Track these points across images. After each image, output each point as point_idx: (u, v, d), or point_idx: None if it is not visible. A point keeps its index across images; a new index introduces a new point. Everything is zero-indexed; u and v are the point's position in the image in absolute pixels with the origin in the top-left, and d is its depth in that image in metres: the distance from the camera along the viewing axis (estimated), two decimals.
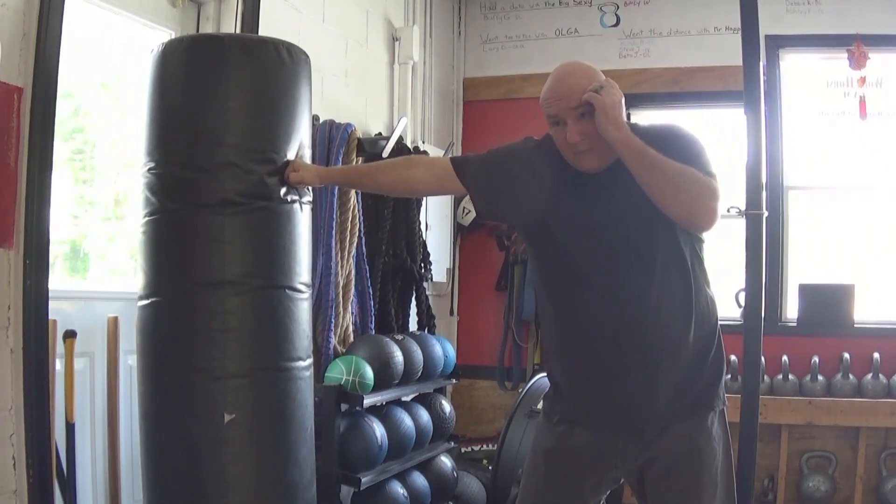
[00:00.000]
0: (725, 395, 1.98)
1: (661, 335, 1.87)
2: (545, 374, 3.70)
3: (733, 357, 4.04)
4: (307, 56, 2.21)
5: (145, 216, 2.07)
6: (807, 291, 4.14)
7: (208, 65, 2.06)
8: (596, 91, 1.83)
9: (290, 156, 2.12)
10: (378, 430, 2.98)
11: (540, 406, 3.45)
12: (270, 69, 2.10)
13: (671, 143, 1.85)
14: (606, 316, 1.88)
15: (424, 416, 3.36)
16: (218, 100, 2.04)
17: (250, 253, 2.05)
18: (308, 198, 2.21)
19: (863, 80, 4.13)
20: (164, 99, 2.08)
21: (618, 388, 1.90)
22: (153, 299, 2.05)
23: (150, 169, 2.06)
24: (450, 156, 1.92)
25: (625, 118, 1.85)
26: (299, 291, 2.13)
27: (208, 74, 2.05)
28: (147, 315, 2.07)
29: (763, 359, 3.00)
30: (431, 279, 4.00)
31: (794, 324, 4.20)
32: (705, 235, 1.95)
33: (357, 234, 3.29)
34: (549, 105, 1.90)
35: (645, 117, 4.62)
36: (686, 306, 1.88)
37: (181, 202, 2.04)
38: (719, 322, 1.97)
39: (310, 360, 2.19)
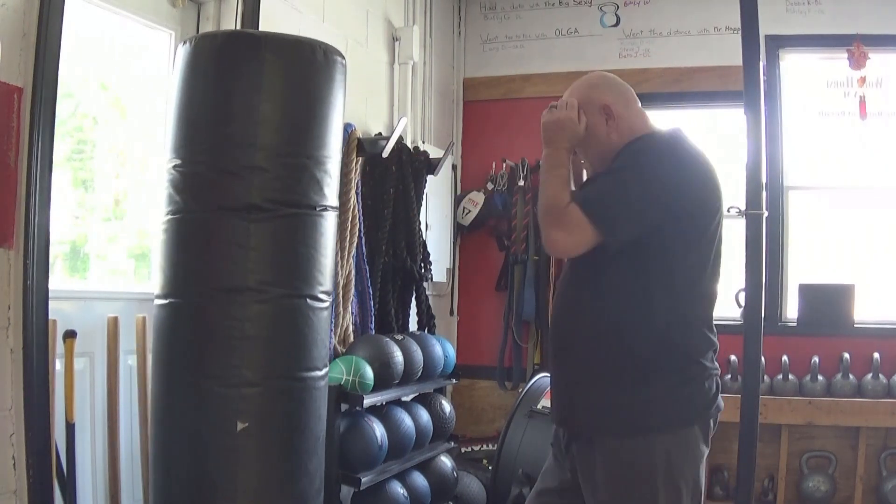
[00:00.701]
0: (690, 412, 1.84)
1: (572, 338, 1.92)
2: (545, 373, 3.73)
3: (733, 357, 4.05)
4: (343, 58, 2.15)
5: (168, 214, 2.04)
6: (807, 291, 4.14)
7: (242, 63, 2.00)
8: (549, 110, 1.94)
9: (324, 160, 2.07)
10: (378, 430, 2.98)
11: (540, 406, 3.46)
12: (307, 71, 2.05)
13: (624, 152, 1.91)
14: (554, 311, 2.02)
15: (424, 416, 3.36)
16: (250, 101, 1.99)
17: (274, 260, 2.01)
18: (334, 203, 2.15)
19: (863, 80, 4.13)
20: (194, 95, 2.03)
21: (556, 381, 2.00)
22: (171, 300, 2.03)
23: (175, 166, 2.02)
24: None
25: (573, 133, 1.92)
26: (320, 300, 2.09)
27: (242, 73, 2.00)
28: (164, 315, 2.04)
29: (763, 359, 2.99)
30: (431, 279, 4.00)
31: (794, 324, 4.20)
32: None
33: (357, 234, 3.29)
34: None
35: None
36: (633, 317, 1.83)
37: (206, 203, 2.00)
38: (686, 337, 1.86)
39: (326, 370, 2.16)
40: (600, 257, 1.83)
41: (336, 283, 3.17)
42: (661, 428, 1.82)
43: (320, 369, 2.11)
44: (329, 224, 2.13)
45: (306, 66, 2.06)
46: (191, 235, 2.02)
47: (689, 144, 1.95)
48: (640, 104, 2.02)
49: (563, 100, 1.95)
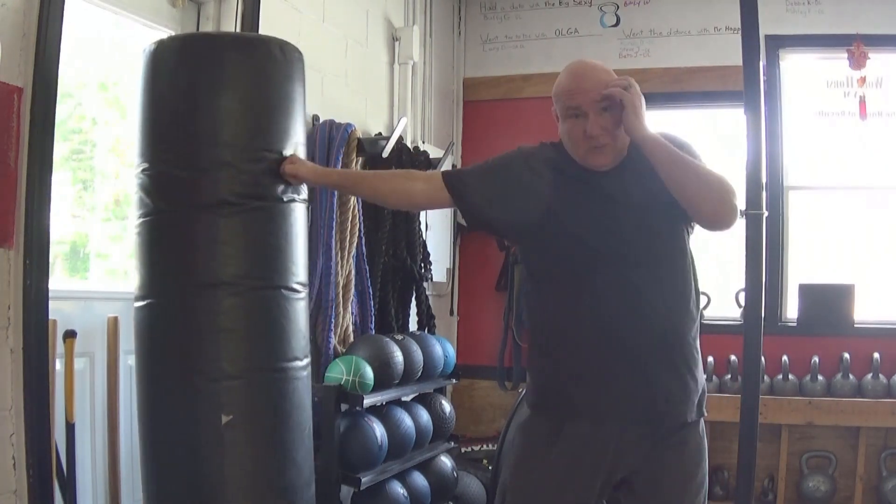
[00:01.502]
0: None
1: (669, 328, 1.91)
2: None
3: (733, 357, 4.05)
4: (300, 53, 2.20)
5: (139, 217, 2.06)
6: (807, 291, 4.14)
7: (201, 63, 2.05)
8: (625, 89, 1.87)
9: (288, 153, 2.11)
10: (378, 430, 2.98)
11: None
12: (264, 67, 2.09)
13: (678, 146, 1.91)
14: (615, 308, 1.90)
15: (424, 416, 3.36)
16: (212, 99, 2.03)
17: (246, 253, 2.04)
18: (304, 195, 2.20)
19: (863, 80, 4.13)
20: (157, 98, 2.07)
21: (631, 377, 1.91)
22: (149, 300, 2.05)
23: (143, 170, 2.06)
24: (442, 169, 1.97)
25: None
26: (296, 291, 2.12)
27: (202, 73, 2.04)
28: (143, 316, 2.06)
29: (763, 359, 2.99)
30: (431, 279, 4.00)
31: (794, 324, 4.20)
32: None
33: (357, 234, 3.29)
34: (570, 97, 1.91)
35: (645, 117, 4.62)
36: (687, 305, 1.94)
37: (175, 203, 2.03)
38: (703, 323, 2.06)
39: (307, 360, 2.18)
40: (687, 245, 1.96)
41: (336, 283, 3.17)
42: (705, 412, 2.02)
43: (301, 359, 2.13)
44: (299, 215, 2.16)
45: (264, 63, 2.09)
46: (163, 235, 2.05)
47: None
48: None
49: (630, 79, 1.92)
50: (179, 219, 2.03)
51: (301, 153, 2.19)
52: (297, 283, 2.13)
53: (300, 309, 2.15)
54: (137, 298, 2.08)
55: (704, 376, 2.03)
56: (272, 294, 2.06)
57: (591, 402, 1.93)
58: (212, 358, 1.99)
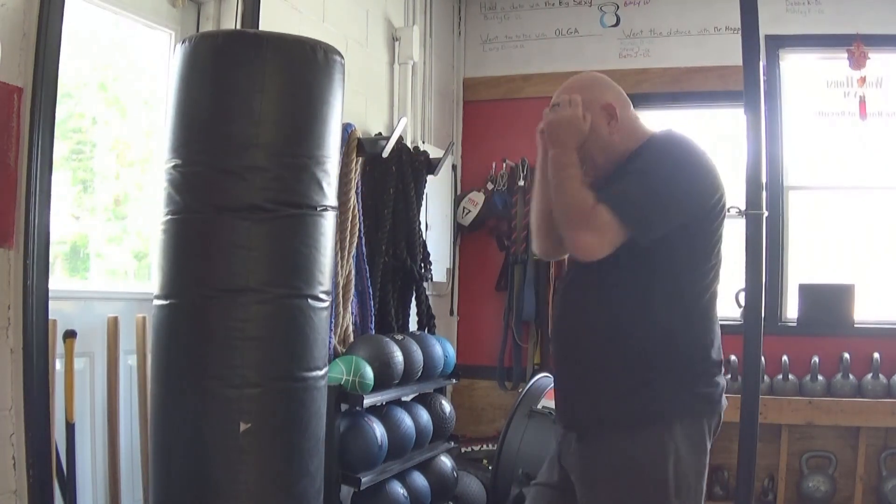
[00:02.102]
0: (699, 405, 1.85)
1: (602, 330, 1.87)
2: (545, 373, 3.73)
3: (733, 357, 4.04)
4: (342, 58, 2.15)
5: (167, 214, 2.03)
6: (807, 291, 4.14)
7: (242, 63, 2.00)
8: (551, 108, 1.88)
9: (323, 160, 2.07)
10: (378, 430, 2.98)
11: (540, 406, 3.46)
12: (307, 71, 2.05)
13: (643, 152, 1.88)
14: (561, 308, 2.00)
15: (424, 416, 3.36)
16: (250, 100, 1.98)
17: (274, 261, 2.00)
18: (334, 203, 2.15)
19: (863, 80, 4.13)
20: (193, 95, 2.03)
21: (560, 380, 1.99)
22: (171, 301, 2.02)
23: (174, 166, 2.02)
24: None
25: (580, 131, 1.85)
26: (320, 300, 2.09)
27: (241, 73, 1.99)
28: (163, 316, 2.04)
29: (763, 359, 2.99)
30: (431, 279, 4.00)
31: (794, 324, 4.20)
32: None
33: (357, 234, 3.29)
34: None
35: (645, 117, 4.60)
36: (616, 306, 1.86)
37: (206, 203, 1.99)
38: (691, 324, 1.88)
39: (326, 370, 2.15)
40: (609, 257, 1.81)
41: (336, 283, 3.17)
42: (669, 418, 1.81)
43: (321, 369, 2.11)
44: (329, 224, 2.13)
45: (306, 66, 2.05)
46: (191, 236, 2.02)
47: (699, 146, 1.94)
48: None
49: (565, 98, 1.89)
50: (208, 220, 1.99)
51: (336, 162, 2.15)
52: (323, 291, 2.10)
53: (324, 318, 2.12)
54: (159, 297, 2.05)
55: (671, 380, 1.83)
56: (298, 303, 2.03)
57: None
58: (233, 364, 1.96)
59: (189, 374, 2.00)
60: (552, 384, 2.66)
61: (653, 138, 1.93)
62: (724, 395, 1.92)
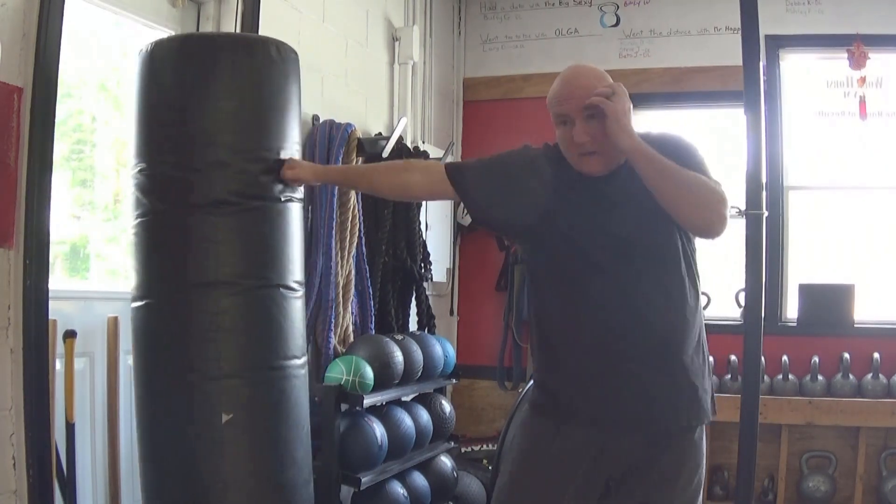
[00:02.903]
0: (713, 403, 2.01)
1: (662, 334, 1.89)
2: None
3: (733, 357, 4.05)
4: (296, 53, 2.20)
5: (136, 217, 2.06)
6: (807, 291, 4.14)
7: (199, 64, 2.05)
8: (607, 97, 1.82)
9: (283, 154, 2.11)
10: (378, 430, 2.98)
11: None
12: (261, 67, 2.09)
13: (674, 151, 1.86)
14: (610, 313, 1.90)
15: (424, 416, 3.36)
16: (209, 99, 2.03)
17: (243, 252, 2.04)
18: (300, 195, 2.20)
19: (863, 80, 4.13)
20: (153, 99, 2.07)
21: (628, 382, 1.90)
22: (146, 301, 2.05)
23: (140, 170, 2.06)
24: (446, 161, 1.96)
25: (633, 123, 1.85)
26: (293, 290, 2.12)
27: (199, 73, 2.04)
28: (141, 317, 2.06)
29: (763, 359, 2.99)
30: (431, 279, 4.00)
31: (794, 324, 4.20)
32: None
33: (357, 234, 3.29)
34: (557, 104, 1.90)
35: (645, 117, 4.62)
36: (682, 310, 1.91)
37: (173, 202, 2.03)
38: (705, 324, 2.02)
39: (305, 359, 2.18)
40: (683, 249, 1.92)
41: (336, 284, 3.17)
42: (706, 417, 1.97)
43: (299, 357, 2.14)
44: (295, 214, 2.16)
45: (260, 63, 2.10)
46: (160, 235, 2.05)
47: None
48: None
49: (614, 85, 1.86)
50: (176, 218, 2.03)
51: (297, 153, 2.19)
52: (295, 281, 2.14)
53: (298, 307, 2.15)
54: (135, 299, 2.08)
55: (712, 381, 2.02)
56: (270, 293, 2.07)
57: (586, 406, 1.94)
58: (210, 357, 2.00)
59: (168, 370, 2.03)
60: None
61: (660, 135, 1.95)
62: None
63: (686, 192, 1.80)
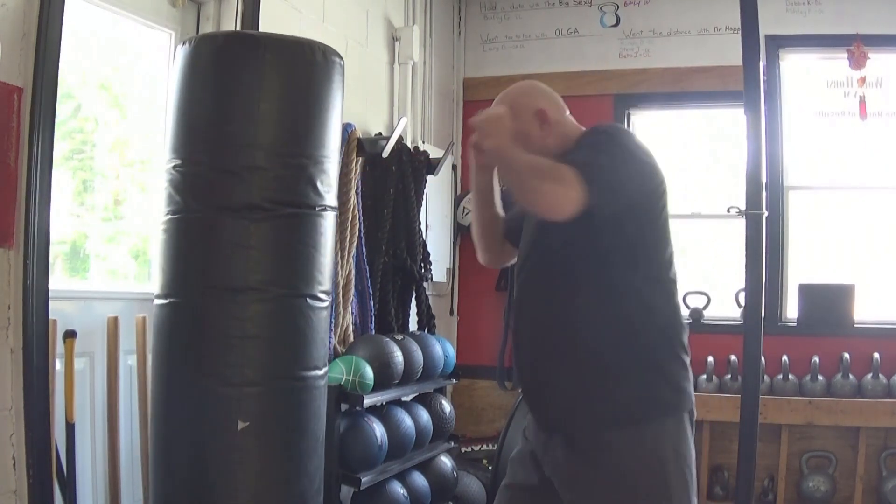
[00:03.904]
0: (681, 399, 1.85)
1: (566, 337, 1.87)
2: None
3: (733, 357, 4.05)
4: (342, 59, 2.17)
5: (167, 214, 2.04)
6: (807, 291, 4.14)
7: (242, 63, 2.01)
8: (475, 144, 1.91)
9: (323, 160, 2.07)
10: (378, 430, 2.98)
11: None
12: (305, 71, 2.06)
13: (584, 139, 1.89)
14: (523, 316, 1.96)
15: (424, 416, 3.36)
16: (250, 101, 2.00)
17: (274, 260, 2.01)
18: (334, 203, 2.17)
19: (863, 80, 4.13)
20: (194, 96, 2.04)
21: (534, 384, 1.94)
22: (171, 300, 2.03)
23: (175, 166, 2.03)
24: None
25: (506, 127, 1.85)
26: (320, 300, 2.10)
27: (241, 73, 2.01)
28: (164, 315, 2.04)
29: (763, 359, 2.99)
30: (431, 279, 4.00)
31: (794, 324, 4.20)
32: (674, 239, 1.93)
33: (357, 234, 3.29)
34: None
35: (645, 117, 4.63)
36: (571, 307, 1.86)
37: (206, 203, 2.00)
38: (679, 327, 1.89)
39: (326, 370, 2.16)
40: (569, 252, 1.85)
41: (336, 283, 3.17)
42: (659, 416, 1.81)
43: (320, 369, 2.12)
44: (328, 224, 2.13)
45: (305, 67, 2.06)
46: (191, 235, 2.03)
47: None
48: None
49: (490, 109, 1.94)
50: (208, 219, 2.00)
51: (335, 162, 2.15)
52: (322, 291, 2.11)
53: (323, 318, 2.12)
54: (159, 296, 2.06)
55: (669, 377, 1.84)
56: (297, 302, 2.04)
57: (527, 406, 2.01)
58: (233, 363, 1.97)
59: (189, 373, 2.01)
60: None
61: (592, 128, 1.95)
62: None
63: (521, 178, 1.78)
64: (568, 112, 2.02)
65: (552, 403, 1.91)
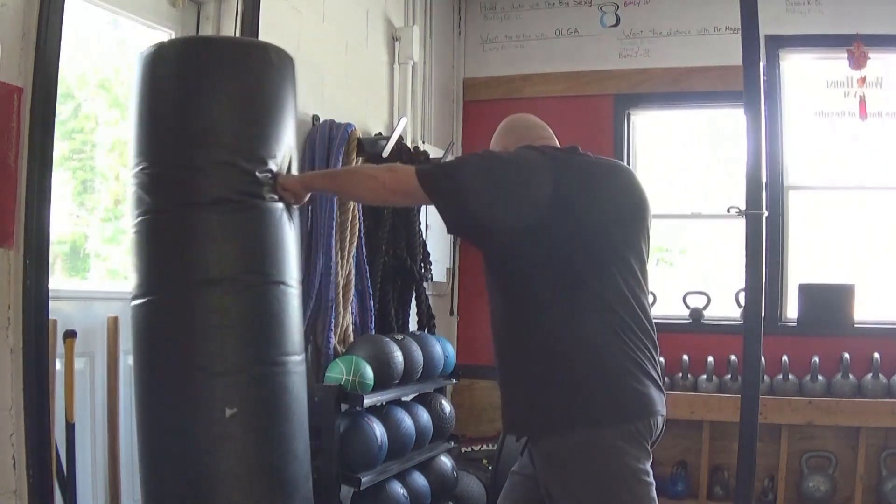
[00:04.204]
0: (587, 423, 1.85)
1: (500, 345, 2.07)
2: None
3: (733, 357, 4.05)
4: (291, 58, 2.25)
5: (137, 216, 2.07)
6: (807, 291, 4.14)
7: (200, 66, 2.09)
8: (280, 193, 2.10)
9: (281, 155, 2.14)
10: (378, 429, 2.98)
11: None
12: (259, 70, 2.14)
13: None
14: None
15: (424, 416, 3.36)
16: (210, 100, 2.07)
17: (245, 250, 2.07)
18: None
19: (863, 80, 4.13)
20: (156, 100, 2.10)
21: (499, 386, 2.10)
22: (147, 298, 2.05)
23: (142, 168, 2.07)
24: (416, 167, 2.00)
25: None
26: (291, 287, 2.15)
27: (200, 76, 2.08)
28: (142, 314, 2.07)
29: (763, 359, 3.00)
30: (431, 279, 4.00)
31: (794, 324, 4.20)
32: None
33: (357, 234, 3.29)
34: None
35: (645, 117, 4.63)
36: (502, 317, 2.04)
37: (174, 201, 2.05)
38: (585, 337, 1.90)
39: (303, 355, 2.21)
40: (504, 262, 1.97)
41: (336, 283, 3.17)
42: (586, 426, 1.84)
43: (298, 353, 2.16)
44: (292, 212, 2.21)
45: (259, 67, 2.14)
46: (162, 233, 2.07)
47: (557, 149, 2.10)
48: (546, 133, 2.21)
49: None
50: (178, 216, 2.05)
51: (293, 154, 2.22)
52: (293, 278, 2.17)
53: (296, 304, 2.18)
54: (135, 297, 2.08)
55: (563, 395, 1.88)
56: (271, 289, 2.09)
57: None
58: (212, 354, 2.01)
59: (171, 367, 2.04)
60: None
61: None
62: (651, 401, 1.88)
63: (347, 188, 2.21)
64: (544, 133, 2.20)
65: (504, 406, 2.07)
